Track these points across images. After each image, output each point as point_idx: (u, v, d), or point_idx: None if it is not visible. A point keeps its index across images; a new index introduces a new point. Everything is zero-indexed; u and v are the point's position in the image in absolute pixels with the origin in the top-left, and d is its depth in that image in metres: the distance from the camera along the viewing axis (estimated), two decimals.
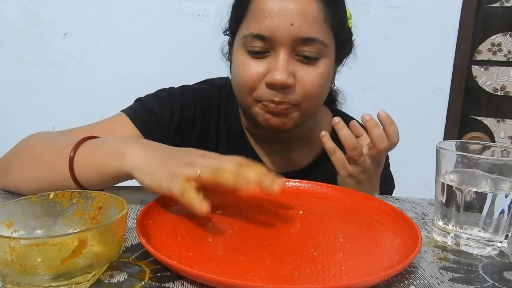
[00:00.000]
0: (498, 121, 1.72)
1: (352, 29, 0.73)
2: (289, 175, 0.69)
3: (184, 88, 0.77)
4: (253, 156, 0.76)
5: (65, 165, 0.52)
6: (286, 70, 0.61)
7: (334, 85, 0.75)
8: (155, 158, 0.49)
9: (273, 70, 0.62)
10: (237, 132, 0.77)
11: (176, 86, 0.78)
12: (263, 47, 0.63)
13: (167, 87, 0.78)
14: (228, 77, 0.75)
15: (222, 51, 0.77)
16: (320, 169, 0.77)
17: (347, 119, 0.82)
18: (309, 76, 0.63)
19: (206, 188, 0.46)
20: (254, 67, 0.64)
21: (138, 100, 0.75)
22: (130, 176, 0.51)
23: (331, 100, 0.84)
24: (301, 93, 0.63)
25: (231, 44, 0.72)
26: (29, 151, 0.59)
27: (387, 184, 0.81)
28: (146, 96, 0.75)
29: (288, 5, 0.61)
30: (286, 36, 0.61)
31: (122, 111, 0.72)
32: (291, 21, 0.60)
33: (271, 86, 0.62)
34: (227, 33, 0.73)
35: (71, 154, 0.53)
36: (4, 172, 0.60)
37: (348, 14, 0.70)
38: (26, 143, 0.62)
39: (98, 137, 0.57)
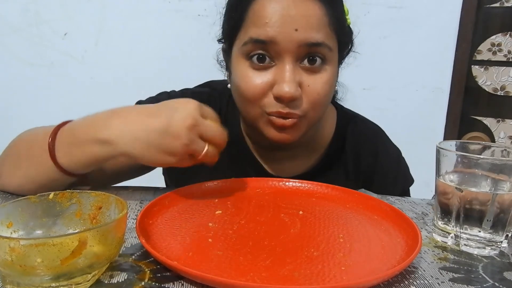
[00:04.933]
0: (498, 121, 1.72)
1: (352, 28, 0.72)
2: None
3: (184, 92, 0.76)
4: (253, 162, 0.75)
5: (47, 154, 0.52)
6: (294, 82, 0.59)
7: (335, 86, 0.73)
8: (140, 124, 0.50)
9: (281, 83, 0.59)
10: (237, 138, 0.75)
11: (175, 86, 0.78)
12: (267, 57, 0.60)
13: (167, 88, 0.77)
14: None
15: (217, 60, 0.75)
16: (322, 174, 0.76)
17: (350, 116, 0.81)
18: (315, 85, 0.61)
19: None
20: (259, 79, 0.61)
21: (139, 103, 0.74)
22: (111, 148, 0.50)
23: None
24: (308, 102, 0.61)
25: (227, 52, 0.69)
26: (16, 151, 0.59)
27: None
28: (147, 99, 0.74)
29: (291, 10, 0.58)
30: (291, 42, 0.58)
31: None
32: (295, 26, 0.58)
33: (278, 99, 0.60)
34: (222, 41, 0.70)
35: (49, 140, 0.52)
36: None
37: (345, 10, 0.68)
38: (14, 143, 0.61)
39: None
